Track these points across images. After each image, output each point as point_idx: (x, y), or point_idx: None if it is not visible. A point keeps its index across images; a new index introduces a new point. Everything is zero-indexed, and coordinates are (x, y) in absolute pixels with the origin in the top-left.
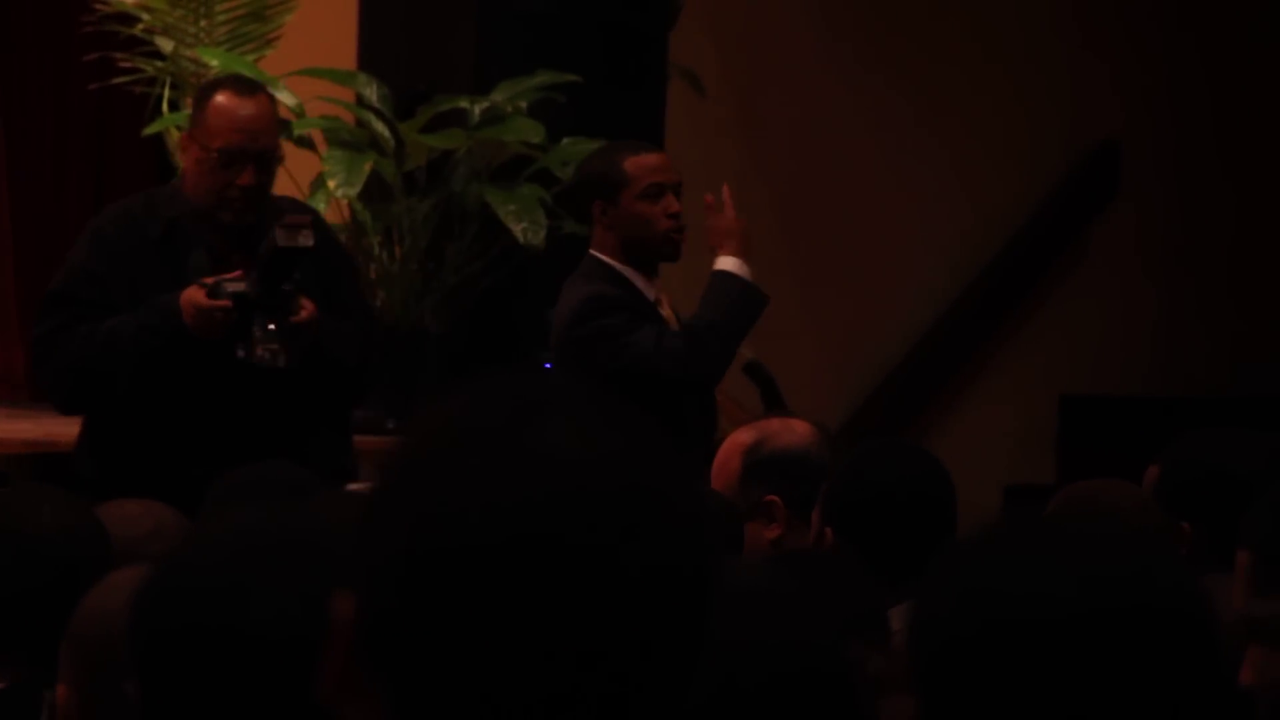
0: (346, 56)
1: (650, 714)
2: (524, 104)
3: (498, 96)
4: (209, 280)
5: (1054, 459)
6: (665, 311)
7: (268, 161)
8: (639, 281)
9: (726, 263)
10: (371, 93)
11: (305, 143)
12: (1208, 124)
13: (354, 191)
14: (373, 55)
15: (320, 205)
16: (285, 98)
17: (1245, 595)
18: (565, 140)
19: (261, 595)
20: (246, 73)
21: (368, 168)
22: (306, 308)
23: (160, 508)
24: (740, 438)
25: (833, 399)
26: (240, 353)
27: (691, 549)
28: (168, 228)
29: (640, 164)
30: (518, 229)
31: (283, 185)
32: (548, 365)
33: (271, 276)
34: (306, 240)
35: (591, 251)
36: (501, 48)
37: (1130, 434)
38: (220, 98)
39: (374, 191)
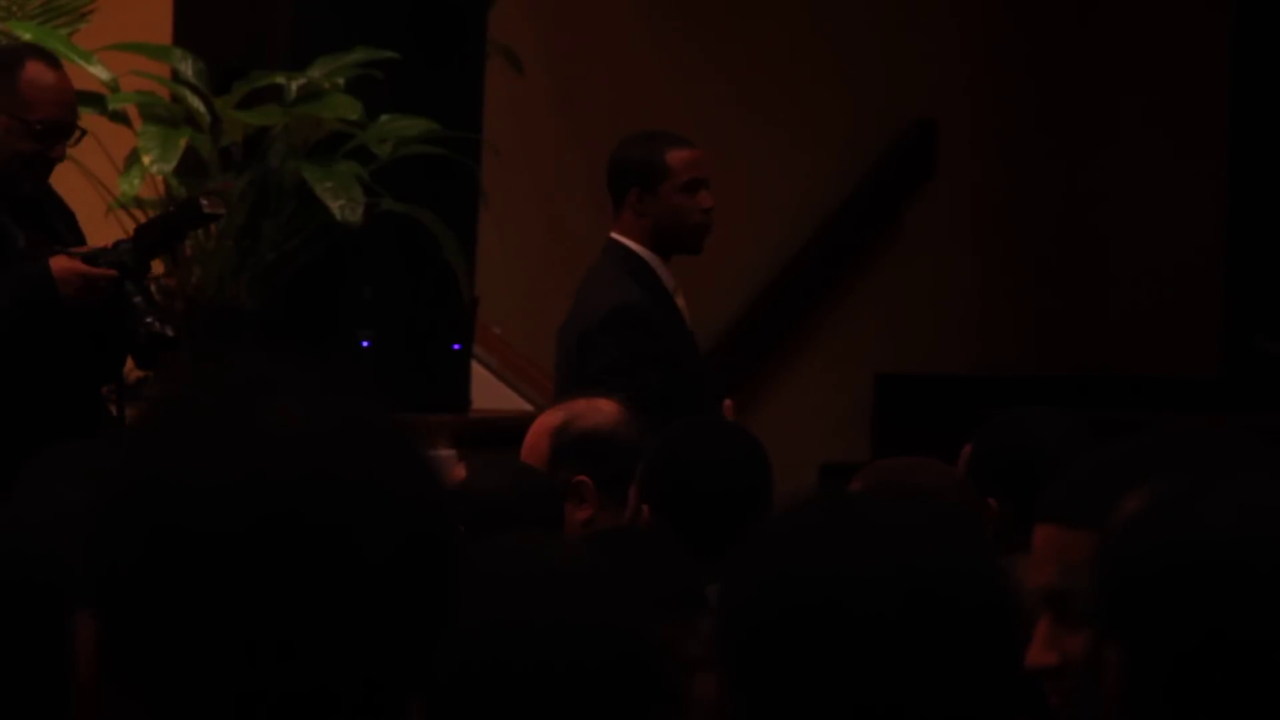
0: (162, 31)
1: (400, 687)
2: (341, 81)
3: (315, 73)
4: (80, 250)
5: (870, 437)
6: (680, 301)
7: (72, 134)
8: (660, 270)
9: None
10: (187, 68)
11: (120, 118)
12: (1023, 104)
13: (169, 167)
14: (188, 30)
15: (135, 181)
16: (99, 72)
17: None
18: (383, 117)
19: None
20: (60, 47)
21: (183, 144)
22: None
23: None
24: (548, 420)
25: None
26: (140, 326)
27: (425, 525)
28: None
29: (682, 158)
30: (335, 206)
31: (97, 161)
32: (365, 344)
33: (159, 246)
34: (220, 209)
35: (615, 236)
36: (318, 24)
37: (946, 412)
38: (33, 69)
39: (190, 167)
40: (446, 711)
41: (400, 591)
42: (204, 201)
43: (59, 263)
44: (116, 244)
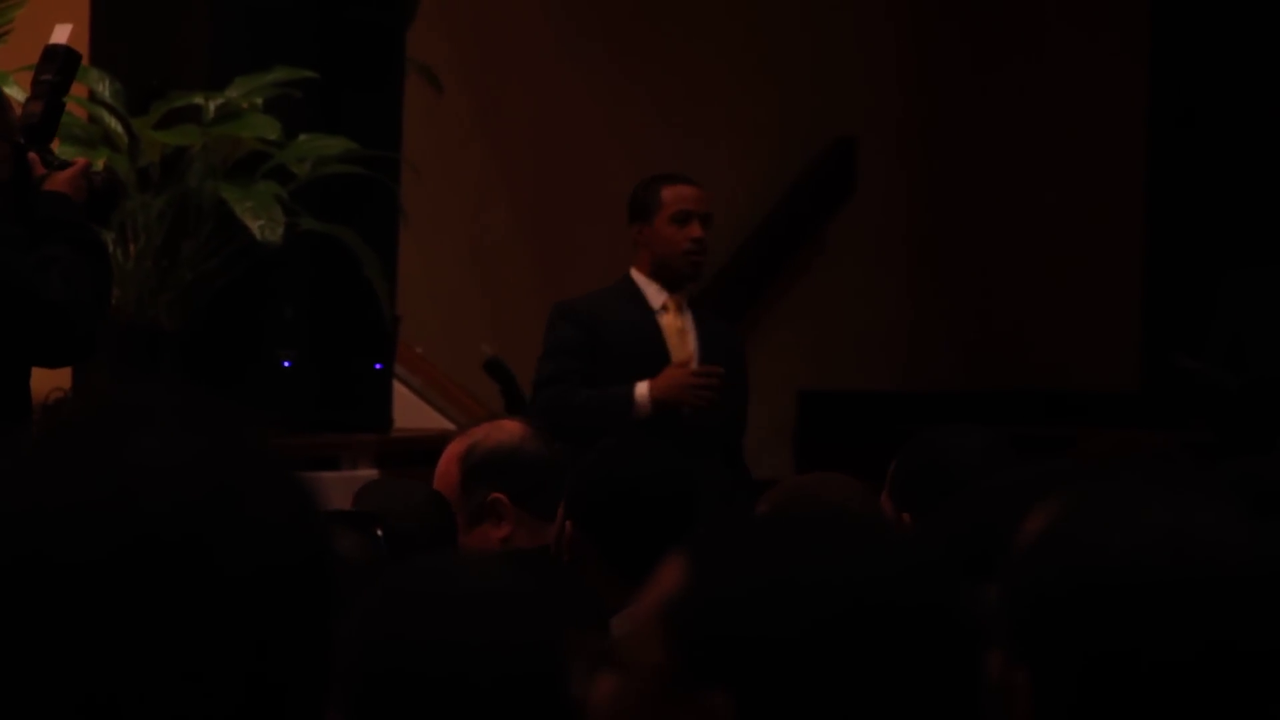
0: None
1: (283, 704)
2: (260, 100)
3: (233, 93)
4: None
5: (793, 454)
6: (666, 319)
7: None
8: (650, 290)
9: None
10: (104, 88)
11: None
12: (944, 123)
13: None
14: (105, 50)
15: None
16: (16, 93)
17: None
18: (302, 137)
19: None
20: None
21: (101, 164)
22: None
23: None
24: (454, 448)
25: None
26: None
27: (295, 547)
28: None
29: (674, 192)
30: (254, 226)
31: None
32: (286, 364)
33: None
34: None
35: (632, 268)
36: (236, 44)
37: (869, 429)
38: None
39: (123, 187)
40: None
41: (271, 610)
42: (57, 29)
43: (53, 184)
44: (23, 143)
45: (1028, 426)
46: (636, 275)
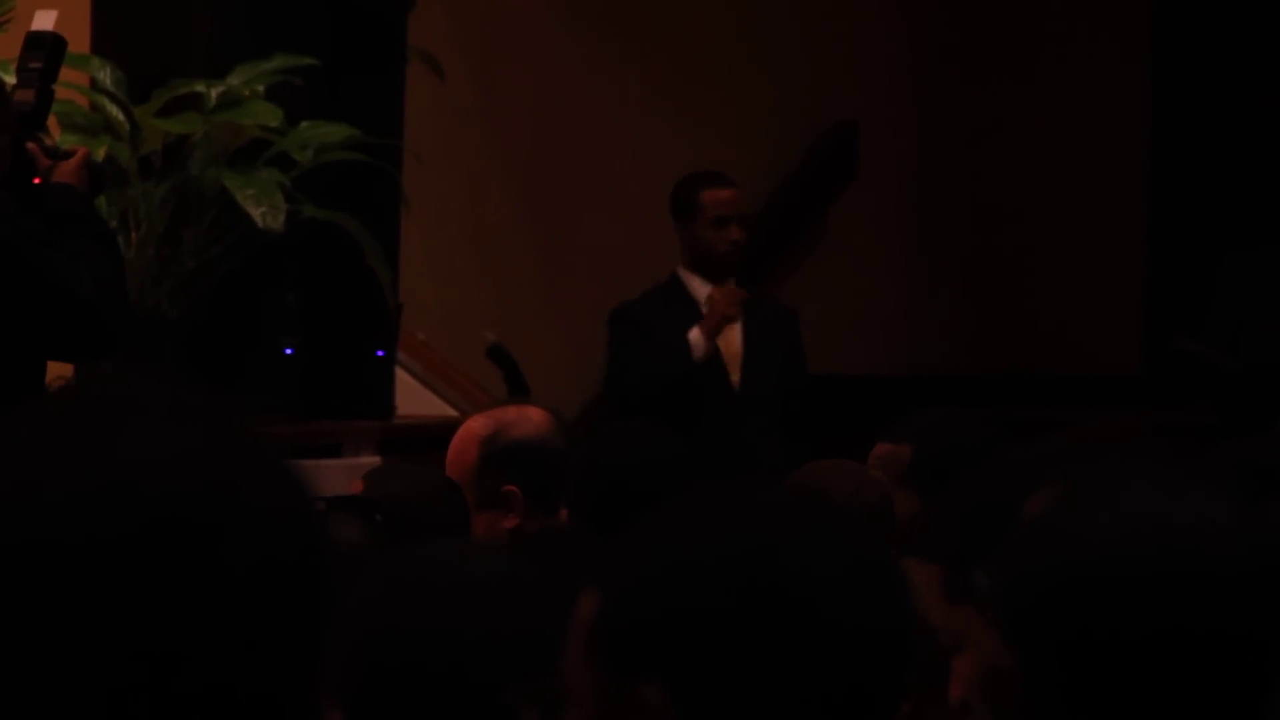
0: (80, 40)
1: (275, 707)
2: (261, 87)
3: (234, 80)
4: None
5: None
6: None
7: None
8: (694, 284)
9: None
10: (106, 76)
11: None
12: (946, 108)
13: None
14: (106, 38)
15: None
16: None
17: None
18: (304, 124)
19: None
20: None
21: (103, 152)
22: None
23: None
24: (476, 428)
25: (575, 382)
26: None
27: (291, 536)
28: None
29: (712, 197)
30: (256, 213)
31: None
32: (288, 351)
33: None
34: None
35: (679, 265)
36: (238, 31)
37: (871, 413)
38: None
39: (109, 176)
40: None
41: (267, 600)
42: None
43: (60, 175)
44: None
45: (1029, 409)
46: (682, 271)
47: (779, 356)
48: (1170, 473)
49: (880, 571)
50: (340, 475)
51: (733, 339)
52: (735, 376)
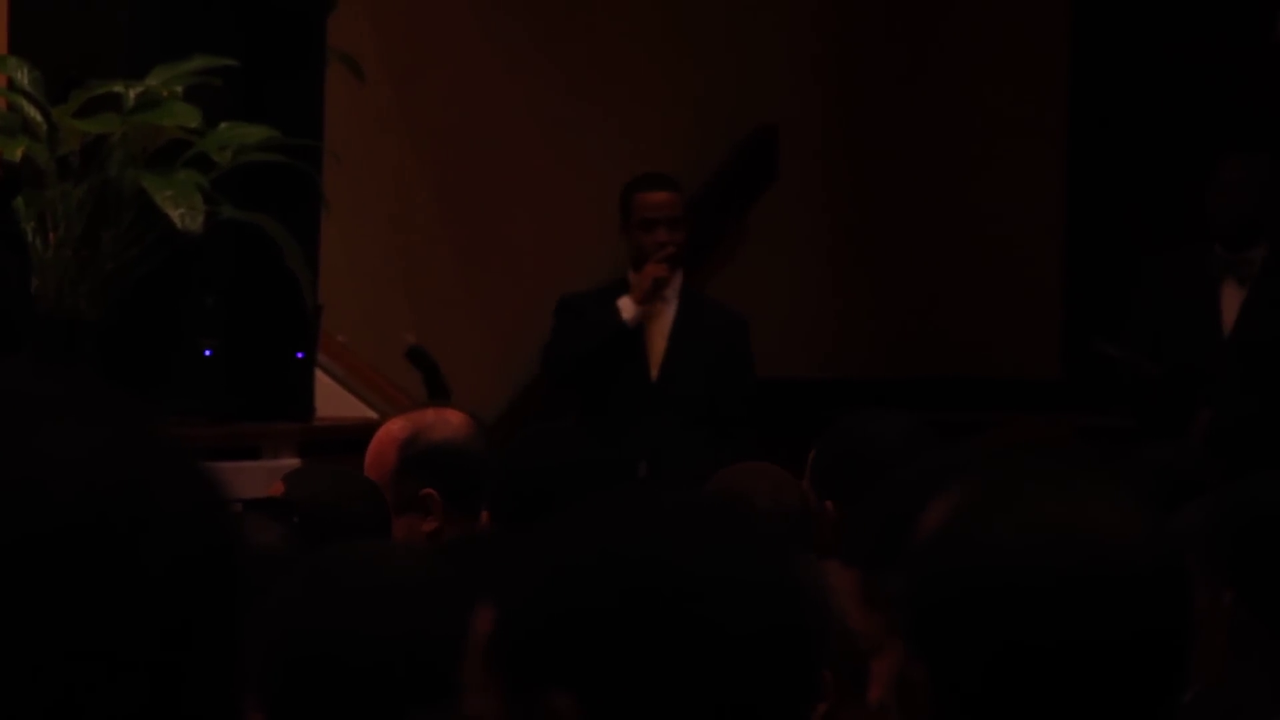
0: None
1: (195, 708)
2: (180, 88)
3: (153, 81)
4: None
5: None
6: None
7: None
8: (632, 278)
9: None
10: (23, 76)
11: None
12: (866, 110)
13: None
14: (24, 38)
15: None
16: None
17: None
18: (223, 125)
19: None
20: None
21: (20, 153)
22: None
23: None
24: (394, 431)
25: (496, 385)
26: None
27: (205, 536)
28: None
29: (643, 200)
30: (175, 214)
31: None
32: (208, 353)
33: None
34: None
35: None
36: (156, 31)
37: (792, 417)
38: None
39: (27, 177)
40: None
41: (183, 600)
42: None
43: None
44: None
45: (951, 413)
46: (630, 273)
47: (712, 359)
48: (1073, 477)
49: (781, 575)
50: (260, 477)
51: (659, 334)
52: (654, 371)
